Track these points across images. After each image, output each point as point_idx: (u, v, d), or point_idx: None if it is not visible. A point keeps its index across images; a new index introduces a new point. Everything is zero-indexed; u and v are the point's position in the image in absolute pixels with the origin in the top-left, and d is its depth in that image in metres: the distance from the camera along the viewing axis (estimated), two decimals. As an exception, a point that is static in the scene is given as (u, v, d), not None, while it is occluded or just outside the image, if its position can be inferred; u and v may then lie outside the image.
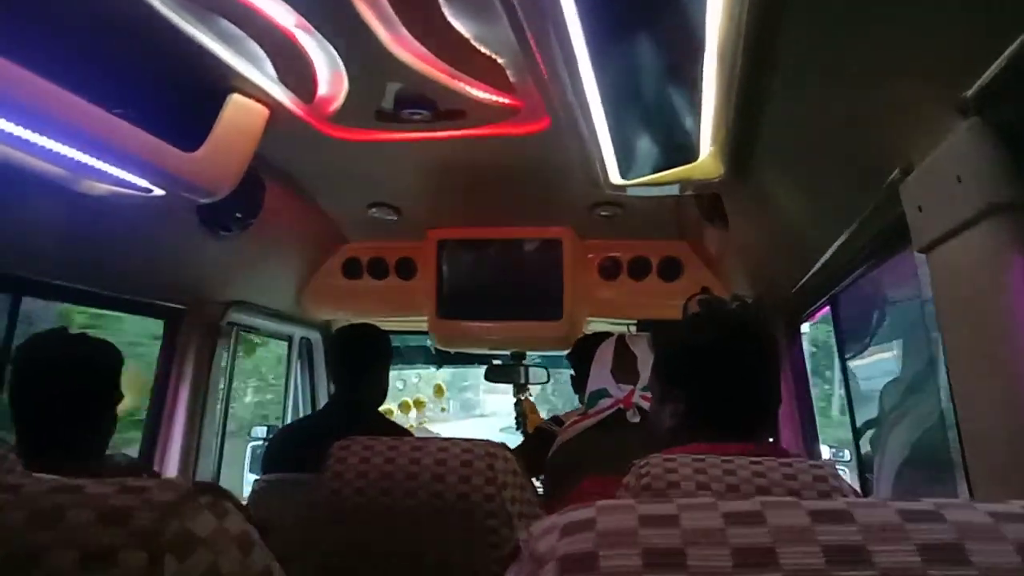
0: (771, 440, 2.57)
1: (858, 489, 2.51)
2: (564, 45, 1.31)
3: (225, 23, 1.68)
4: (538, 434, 2.94)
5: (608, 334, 2.40)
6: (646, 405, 2.03)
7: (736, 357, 1.36)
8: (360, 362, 2.41)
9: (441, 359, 4.37)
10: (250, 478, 3.42)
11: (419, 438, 1.62)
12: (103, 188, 1.92)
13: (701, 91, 1.46)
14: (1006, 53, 0.80)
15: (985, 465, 1.03)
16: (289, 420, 3.65)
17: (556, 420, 2.88)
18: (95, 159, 1.73)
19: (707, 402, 1.36)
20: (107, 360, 1.74)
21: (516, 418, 4.07)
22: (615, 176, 1.92)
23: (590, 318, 3.35)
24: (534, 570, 0.49)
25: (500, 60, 1.81)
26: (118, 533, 0.55)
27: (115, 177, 1.84)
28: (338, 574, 1.57)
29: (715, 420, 1.34)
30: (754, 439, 1.38)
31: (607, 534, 0.48)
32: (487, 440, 1.59)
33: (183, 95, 1.90)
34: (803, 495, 1.11)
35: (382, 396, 2.53)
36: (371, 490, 1.52)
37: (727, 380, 1.35)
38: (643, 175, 1.92)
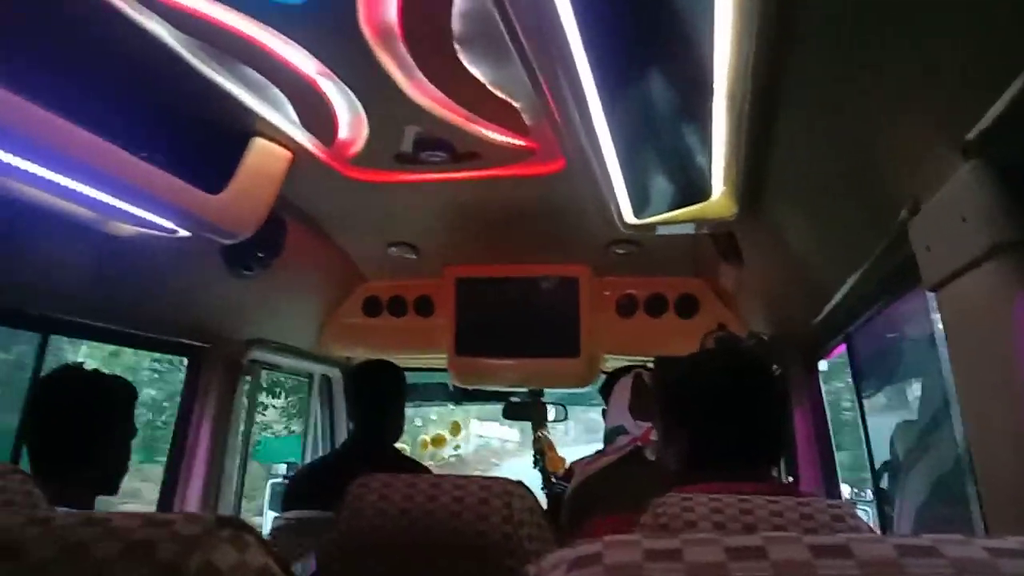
0: (791, 479, 2.57)
1: (878, 528, 2.48)
2: (575, 88, 1.34)
3: (249, 70, 1.74)
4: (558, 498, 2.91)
5: (639, 367, 2.40)
6: None
7: (739, 396, 1.37)
8: (378, 399, 2.44)
9: (460, 396, 4.38)
10: (270, 516, 3.43)
11: (437, 475, 1.63)
12: (129, 229, 1.98)
13: (711, 132, 1.49)
14: (1005, 96, 0.82)
15: (999, 500, 1.03)
16: (309, 457, 3.67)
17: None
18: (122, 201, 1.78)
19: (711, 442, 1.37)
20: (121, 395, 1.78)
21: (534, 456, 4.05)
22: (629, 216, 1.95)
23: (607, 355, 3.35)
24: None
25: (515, 104, 1.86)
26: (142, 566, 0.57)
27: (141, 219, 1.89)
28: None
29: (720, 460, 1.34)
30: (763, 478, 1.38)
31: (613, 568, 0.50)
32: (505, 478, 1.59)
33: (208, 139, 1.96)
34: (820, 535, 1.11)
35: (399, 432, 2.55)
36: (388, 528, 1.52)
37: (730, 420, 1.36)
38: (657, 214, 1.95)
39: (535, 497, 1.61)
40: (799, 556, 0.49)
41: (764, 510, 1.15)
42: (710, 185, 1.75)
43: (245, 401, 2.95)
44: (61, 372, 1.74)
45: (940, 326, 1.19)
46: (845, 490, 2.68)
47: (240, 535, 0.63)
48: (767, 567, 0.48)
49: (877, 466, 2.20)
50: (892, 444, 2.77)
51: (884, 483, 2.26)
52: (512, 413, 3.97)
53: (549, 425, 3.99)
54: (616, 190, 1.79)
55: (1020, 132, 0.89)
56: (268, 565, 0.64)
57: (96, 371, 1.76)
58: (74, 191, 1.69)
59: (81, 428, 1.64)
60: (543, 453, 3.95)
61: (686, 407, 1.43)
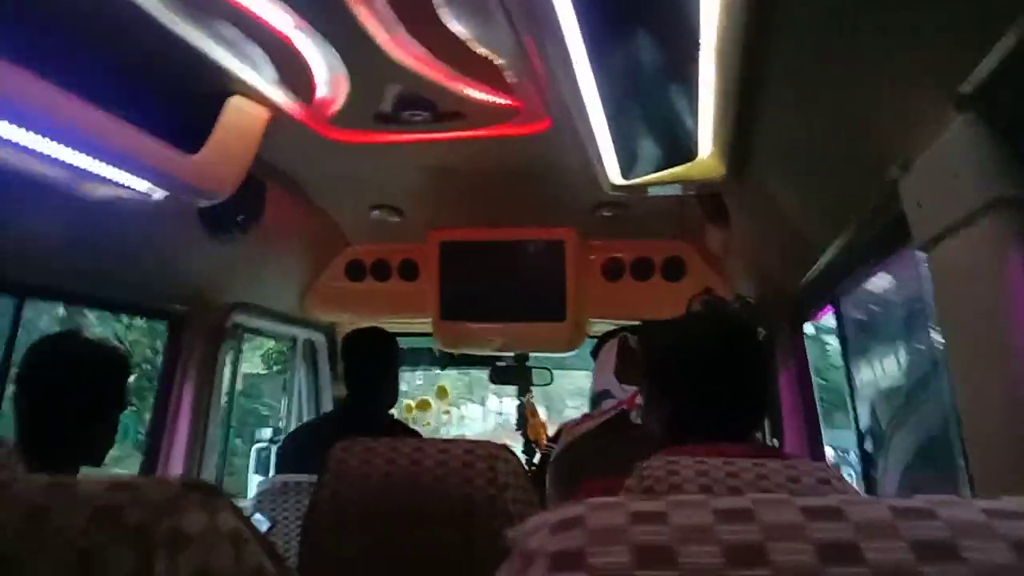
0: (776, 442, 2.58)
1: (863, 491, 2.50)
2: (561, 45, 1.31)
3: (224, 26, 1.68)
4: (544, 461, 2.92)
5: (628, 330, 2.38)
6: None
7: (723, 362, 1.36)
8: (372, 366, 2.44)
9: (445, 361, 4.37)
10: (255, 479, 3.43)
11: (420, 439, 1.62)
12: (104, 191, 1.92)
13: (699, 91, 1.46)
14: (998, 46, 0.80)
15: (987, 464, 1.03)
16: (292, 422, 3.66)
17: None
18: (96, 162, 1.74)
19: (696, 407, 1.36)
20: (116, 366, 1.74)
21: (518, 420, 4.07)
22: (616, 176, 1.92)
23: (593, 319, 3.34)
24: (523, 566, 0.48)
25: (499, 61, 1.81)
26: (107, 532, 0.55)
27: (116, 180, 1.85)
28: (339, 574, 1.57)
29: (704, 425, 1.34)
30: (747, 441, 1.38)
31: (596, 531, 0.48)
32: (489, 441, 1.58)
33: (183, 98, 1.90)
34: (811, 497, 1.11)
35: (394, 398, 2.54)
36: (372, 491, 1.51)
37: (715, 385, 1.35)
38: (644, 175, 1.92)
39: (519, 460, 1.60)
40: (790, 518, 0.47)
41: (750, 473, 1.15)
42: (698, 146, 1.73)
43: (228, 365, 2.92)
44: (55, 338, 1.70)
45: (928, 286, 1.18)
46: (828, 453, 2.70)
47: (210, 499, 0.61)
48: (756, 530, 0.47)
49: (863, 428, 2.21)
50: (872, 408, 2.79)
51: (868, 446, 2.27)
52: (498, 377, 3.97)
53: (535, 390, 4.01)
54: (602, 150, 1.76)
55: (1014, 86, 0.87)
56: (239, 528, 0.62)
57: (91, 339, 1.72)
58: (45, 151, 1.64)
59: (73, 399, 1.61)
60: (526, 419, 3.96)
61: (670, 373, 1.42)
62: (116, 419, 1.74)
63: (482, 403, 10.71)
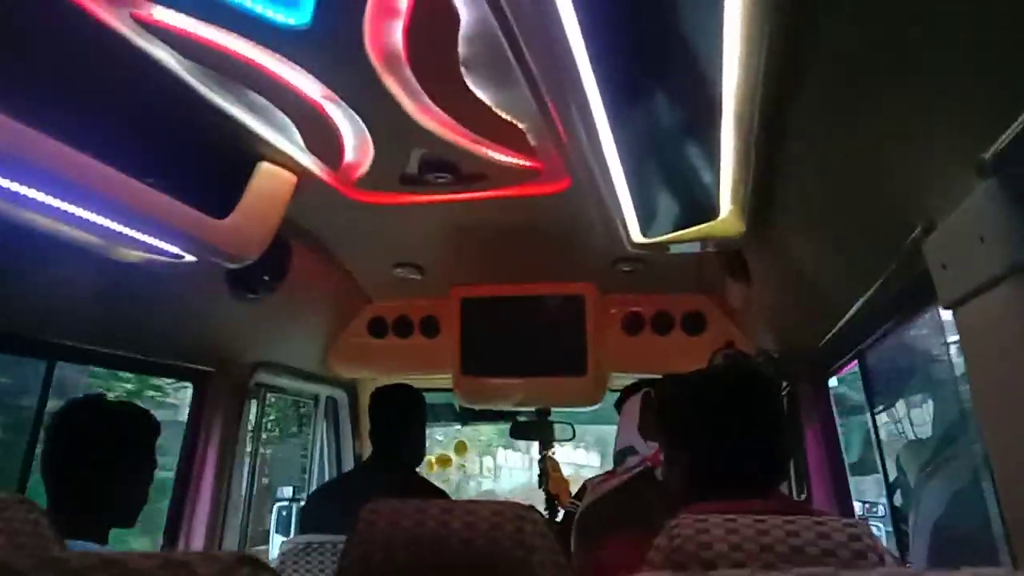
0: (803, 497, 2.54)
1: (893, 546, 2.45)
2: (583, 108, 1.34)
3: (254, 95, 1.74)
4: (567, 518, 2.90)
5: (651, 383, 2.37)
6: None
7: (741, 416, 1.36)
8: (399, 422, 2.44)
9: (466, 417, 4.36)
10: (277, 540, 3.41)
11: (448, 501, 1.61)
12: (135, 255, 1.97)
13: (719, 151, 1.49)
14: (1022, 117, 0.81)
15: (1021, 514, 1.01)
16: (315, 479, 3.65)
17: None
18: (128, 228, 1.78)
19: (715, 462, 1.36)
20: (143, 429, 1.76)
21: (539, 476, 4.02)
22: (636, 234, 1.94)
23: (614, 373, 3.34)
24: None
25: (521, 125, 1.86)
26: None
27: (147, 244, 1.89)
28: None
29: (727, 479, 1.33)
30: (771, 496, 1.37)
31: None
32: (516, 503, 1.58)
33: (213, 164, 1.96)
34: (837, 554, 1.09)
35: (420, 457, 2.54)
36: (400, 554, 1.50)
37: (733, 440, 1.35)
38: (664, 233, 1.94)
39: (547, 522, 1.59)
40: None
41: (780, 530, 1.14)
42: (718, 204, 1.75)
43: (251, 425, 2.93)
44: (83, 403, 1.73)
45: (954, 345, 1.18)
46: (856, 507, 2.65)
47: (258, 573, 0.61)
48: None
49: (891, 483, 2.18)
50: (898, 463, 2.75)
51: (897, 501, 2.24)
52: (519, 432, 3.95)
53: (557, 445, 3.97)
54: (624, 209, 1.79)
55: None
56: None
57: (119, 402, 1.75)
58: (80, 218, 1.68)
59: (102, 463, 1.63)
60: (547, 474, 3.93)
61: (689, 428, 1.42)
62: (145, 479, 1.76)
63: (526, 450, 9.96)
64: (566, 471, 3.76)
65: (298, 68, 1.61)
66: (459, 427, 5.71)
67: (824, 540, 1.13)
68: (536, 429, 3.85)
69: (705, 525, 1.15)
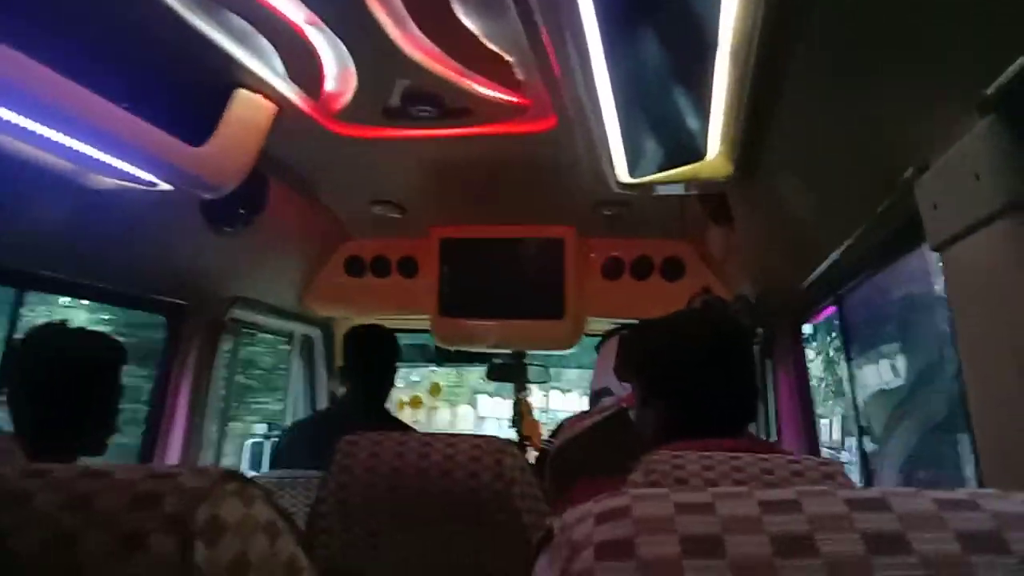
0: (772, 439, 2.59)
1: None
2: (579, 41, 1.31)
3: (233, 17, 1.68)
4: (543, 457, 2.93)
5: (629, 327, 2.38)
6: None
7: (713, 358, 1.37)
8: (375, 362, 2.44)
9: (442, 358, 4.37)
10: (250, 475, 3.41)
11: (427, 434, 1.62)
12: (108, 182, 1.92)
13: (712, 89, 1.47)
14: None
15: (1000, 460, 1.03)
16: (288, 418, 3.65)
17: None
18: (101, 152, 1.73)
19: (688, 404, 1.37)
20: (108, 354, 1.73)
21: (512, 418, 4.06)
22: (623, 174, 1.92)
23: (592, 318, 3.35)
24: (570, 556, 0.48)
25: (509, 58, 1.82)
26: (149, 517, 0.55)
27: (120, 171, 1.84)
28: (346, 570, 1.57)
29: (699, 421, 1.34)
30: (747, 436, 1.39)
31: (644, 521, 0.48)
32: (496, 437, 1.59)
33: (190, 90, 1.90)
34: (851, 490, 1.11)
35: (387, 395, 2.55)
36: (379, 486, 1.51)
37: (706, 382, 1.36)
38: (651, 173, 1.92)
39: (524, 456, 1.60)
40: (836, 510, 0.48)
41: (755, 467, 1.16)
42: (706, 145, 1.73)
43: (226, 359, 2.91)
44: (44, 330, 1.69)
45: (938, 287, 1.18)
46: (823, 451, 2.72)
47: (246, 488, 0.61)
48: (803, 520, 0.47)
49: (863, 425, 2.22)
50: (864, 408, 2.81)
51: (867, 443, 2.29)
52: (496, 374, 3.97)
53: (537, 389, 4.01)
54: (612, 147, 1.76)
55: None
56: (273, 519, 0.62)
57: (82, 329, 1.71)
58: (54, 141, 1.63)
59: (67, 389, 1.61)
60: (522, 416, 3.96)
61: (662, 374, 1.43)
62: (113, 407, 1.74)
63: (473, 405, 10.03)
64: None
65: (280, -11, 1.56)
66: (434, 368, 5.73)
67: (798, 478, 1.15)
68: (512, 371, 3.88)
69: (681, 461, 1.17)
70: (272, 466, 2.50)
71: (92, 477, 0.58)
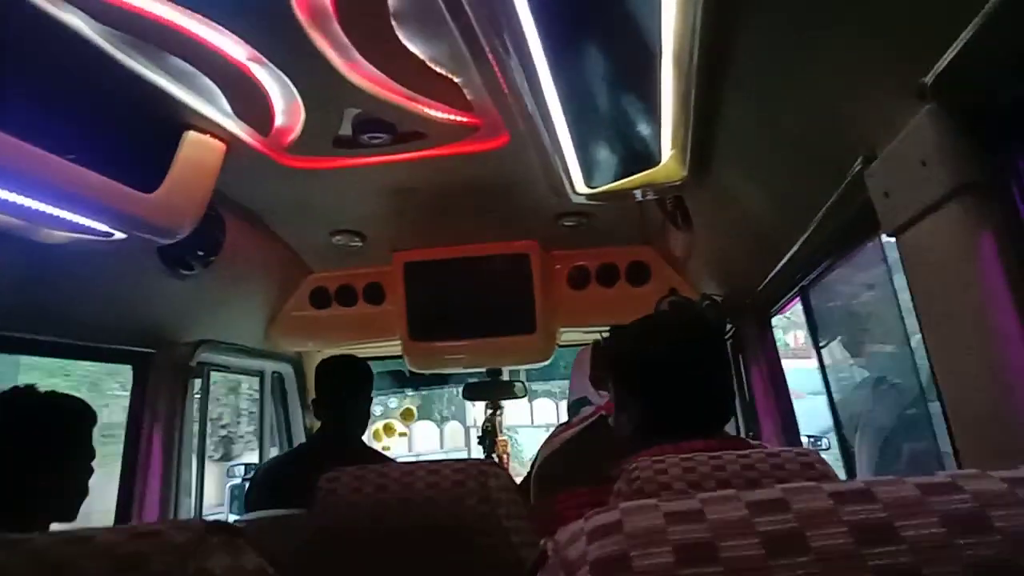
0: (751, 434, 2.61)
1: (844, 474, 2.54)
2: (523, 57, 1.32)
3: (176, 60, 1.66)
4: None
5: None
6: None
7: (686, 359, 1.38)
8: (345, 393, 2.41)
9: (417, 382, 4.34)
10: (231, 519, 3.35)
11: (409, 463, 1.60)
12: (61, 236, 1.88)
13: (659, 95, 1.49)
14: (961, 37, 0.83)
15: (972, 438, 1.05)
16: (267, 456, 3.60)
17: None
18: (52, 207, 1.69)
19: (663, 409, 1.38)
20: (76, 418, 1.71)
21: (482, 438, 4.03)
22: (580, 185, 1.94)
23: (563, 328, 3.36)
24: None
25: (456, 79, 1.82)
26: None
27: (73, 223, 1.80)
28: None
29: (675, 423, 1.35)
30: (720, 434, 1.40)
31: (636, 535, 0.48)
32: (479, 459, 1.58)
33: (138, 136, 1.87)
34: (792, 482, 1.13)
35: (364, 427, 2.52)
36: (363, 521, 1.49)
37: (681, 383, 1.37)
38: (607, 182, 1.94)
39: (509, 476, 1.60)
40: (823, 504, 0.48)
41: (736, 464, 1.17)
42: (659, 150, 1.75)
43: (197, 404, 2.86)
44: (12, 394, 1.66)
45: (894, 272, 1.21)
46: (803, 441, 2.74)
47: (232, 540, 0.60)
48: (791, 518, 0.48)
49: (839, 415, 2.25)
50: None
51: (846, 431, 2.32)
52: (472, 394, 3.95)
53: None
54: (567, 159, 1.78)
55: (976, 74, 0.90)
56: (263, 567, 0.61)
57: (51, 392, 1.68)
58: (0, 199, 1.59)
59: (36, 455, 1.57)
60: (495, 434, 3.95)
61: (637, 374, 1.43)
62: (87, 471, 1.70)
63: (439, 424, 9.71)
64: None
65: (221, 28, 1.55)
66: (410, 392, 5.69)
67: (778, 470, 1.16)
68: (489, 389, 3.87)
69: (663, 465, 1.17)
70: (244, 507, 2.44)
71: (71, 544, 0.56)
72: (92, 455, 1.71)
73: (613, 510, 0.51)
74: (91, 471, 1.71)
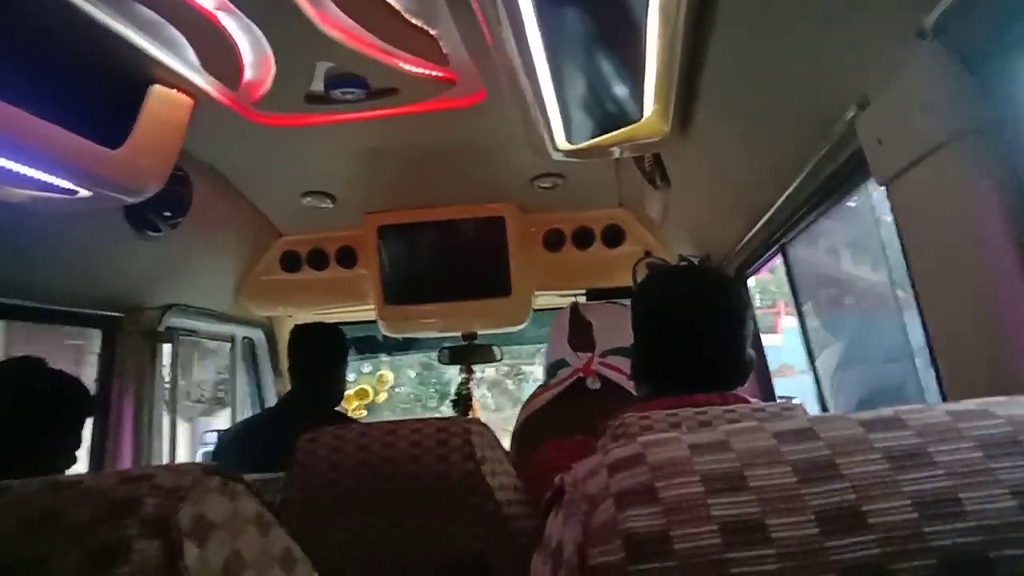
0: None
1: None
2: (510, 4, 1.27)
3: (141, 8, 1.58)
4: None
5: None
6: (606, 372, 2.02)
7: (683, 319, 1.37)
8: (321, 360, 2.37)
9: (392, 347, 4.31)
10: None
11: (392, 422, 1.58)
12: (23, 194, 1.81)
13: (645, 47, 1.45)
14: None
15: (962, 385, 1.05)
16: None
17: None
18: (12, 162, 1.62)
19: (661, 361, 1.37)
20: (78, 401, 1.71)
21: (455, 401, 4.03)
22: (561, 141, 1.90)
23: (538, 291, 3.34)
24: (589, 509, 0.46)
25: (433, 31, 1.77)
26: (128, 525, 0.50)
27: (36, 180, 1.73)
28: (320, 570, 1.52)
29: (673, 378, 1.34)
30: (718, 389, 1.39)
31: (661, 465, 0.47)
32: (462, 417, 1.56)
33: (102, 89, 1.79)
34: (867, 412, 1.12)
35: (340, 395, 2.49)
36: (346, 480, 1.47)
37: (676, 341, 1.36)
38: (588, 139, 1.90)
39: (493, 432, 1.58)
40: (852, 432, 0.47)
41: (721, 419, 1.16)
42: (642, 105, 1.72)
43: (167, 369, 2.80)
44: (21, 363, 1.63)
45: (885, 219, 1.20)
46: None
47: (229, 484, 0.57)
48: (822, 446, 0.46)
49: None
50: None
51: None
52: (449, 358, 3.93)
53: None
54: (549, 115, 1.74)
55: (977, 16, 0.88)
56: (261, 512, 0.59)
57: (59, 371, 1.65)
58: (-44, 155, 1.53)
59: (31, 427, 1.54)
60: (468, 398, 3.94)
61: (643, 328, 1.43)
62: (73, 457, 1.71)
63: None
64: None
65: (188, -26, 1.48)
66: (385, 357, 5.65)
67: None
68: (464, 353, 3.85)
69: (648, 421, 1.16)
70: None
71: (58, 489, 0.53)
72: (80, 443, 1.69)
73: (633, 443, 0.49)
74: (75, 460, 1.69)
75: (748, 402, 1.31)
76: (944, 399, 1.12)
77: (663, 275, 1.58)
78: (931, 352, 1.11)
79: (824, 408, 2.27)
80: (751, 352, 1.38)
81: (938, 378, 1.11)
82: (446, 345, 3.89)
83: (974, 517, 0.42)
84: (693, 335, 1.35)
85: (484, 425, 1.55)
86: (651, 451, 0.48)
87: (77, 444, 1.70)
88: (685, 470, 0.46)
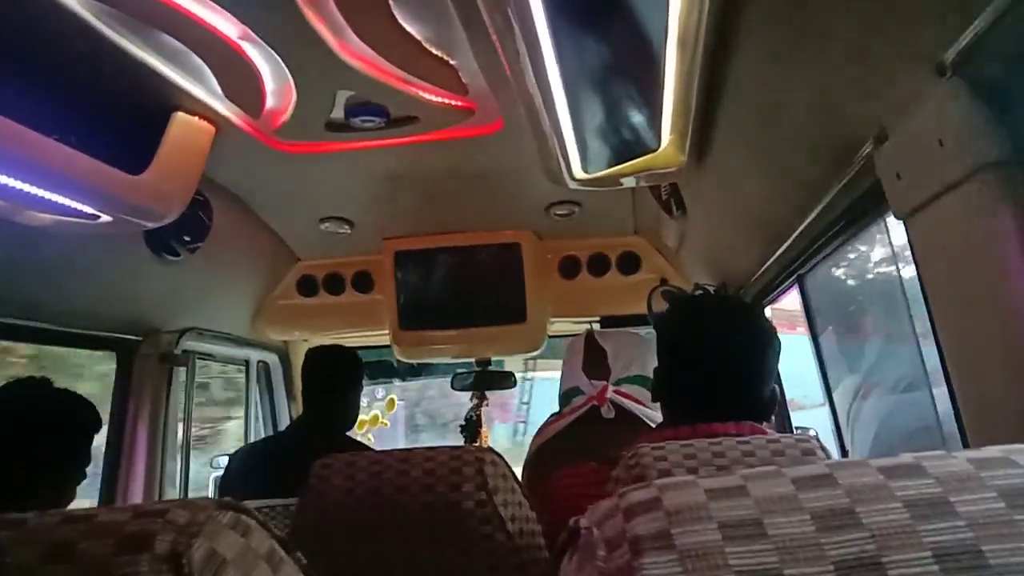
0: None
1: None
2: (528, 33, 1.28)
3: (166, 37, 1.62)
4: None
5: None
6: (620, 400, 2.01)
7: (713, 347, 1.35)
8: (331, 384, 2.37)
9: (406, 372, 4.31)
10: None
11: (404, 450, 1.57)
12: (46, 218, 1.83)
13: (663, 78, 1.45)
14: (989, 9, 0.80)
15: (985, 428, 1.04)
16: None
17: None
18: (37, 188, 1.65)
19: (686, 389, 1.36)
20: (85, 422, 1.70)
21: (463, 426, 3.99)
22: (577, 171, 1.91)
23: (553, 318, 3.34)
24: (606, 555, 0.46)
25: (452, 61, 1.79)
26: (141, 561, 0.50)
27: (58, 205, 1.76)
28: None
29: (695, 405, 1.33)
30: (734, 419, 1.38)
31: (677, 511, 0.46)
32: (476, 446, 1.56)
33: (126, 116, 1.82)
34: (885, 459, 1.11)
35: (353, 420, 2.47)
36: (358, 507, 1.46)
37: (693, 367, 1.35)
38: (605, 168, 1.91)
39: (507, 462, 1.57)
40: (872, 480, 0.46)
41: (736, 451, 1.15)
42: (659, 135, 1.72)
43: (182, 393, 2.81)
44: (27, 385, 1.64)
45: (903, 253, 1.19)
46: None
47: (241, 519, 0.57)
48: (841, 494, 0.45)
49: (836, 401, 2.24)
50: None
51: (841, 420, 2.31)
52: (461, 384, 3.92)
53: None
54: (566, 144, 1.74)
55: (998, 51, 0.88)
56: (274, 548, 0.58)
57: (65, 390, 1.66)
58: (-18, 179, 1.55)
59: (38, 450, 1.55)
60: (479, 424, 3.91)
61: (665, 355, 1.42)
62: (80, 476, 1.71)
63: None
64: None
65: (212, 5, 1.50)
66: (399, 382, 5.64)
67: (779, 457, 1.15)
68: (478, 380, 3.83)
69: (662, 452, 1.15)
70: (220, 494, 2.40)
71: (73, 523, 0.53)
72: (87, 459, 1.70)
73: (649, 487, 0.49)
74: (82, 476, 1.69)
75: (765, 433, 1.30)
76: (963, 437, 1.11)
77: (692, 301, 1.58)
78: (949, 388, 1.09)
79: (840, 440, 2.24)
80: (774, 387, 1.36)
81: (956, 415, 1.10)
82: (459, 371, 3.88)
83: (997, 571, 0.41)
84: (714, 364, 1.34)
85: (497, 454, 1.54)
86: (667, 495, 0.47)
87: (84, 463, 1.70)
88: (701, 516, 0.45)
